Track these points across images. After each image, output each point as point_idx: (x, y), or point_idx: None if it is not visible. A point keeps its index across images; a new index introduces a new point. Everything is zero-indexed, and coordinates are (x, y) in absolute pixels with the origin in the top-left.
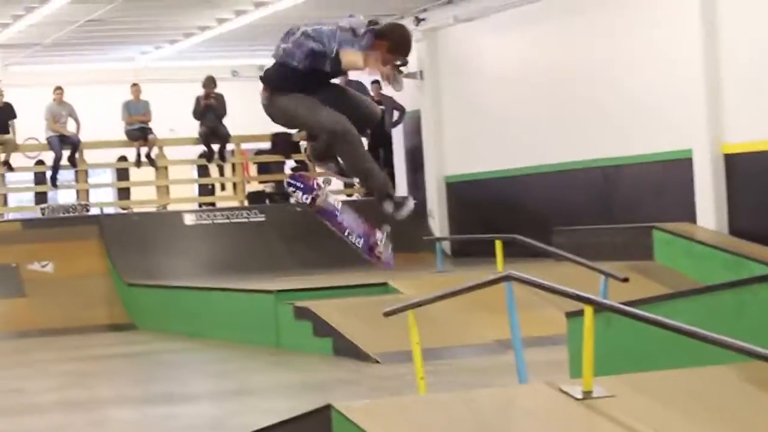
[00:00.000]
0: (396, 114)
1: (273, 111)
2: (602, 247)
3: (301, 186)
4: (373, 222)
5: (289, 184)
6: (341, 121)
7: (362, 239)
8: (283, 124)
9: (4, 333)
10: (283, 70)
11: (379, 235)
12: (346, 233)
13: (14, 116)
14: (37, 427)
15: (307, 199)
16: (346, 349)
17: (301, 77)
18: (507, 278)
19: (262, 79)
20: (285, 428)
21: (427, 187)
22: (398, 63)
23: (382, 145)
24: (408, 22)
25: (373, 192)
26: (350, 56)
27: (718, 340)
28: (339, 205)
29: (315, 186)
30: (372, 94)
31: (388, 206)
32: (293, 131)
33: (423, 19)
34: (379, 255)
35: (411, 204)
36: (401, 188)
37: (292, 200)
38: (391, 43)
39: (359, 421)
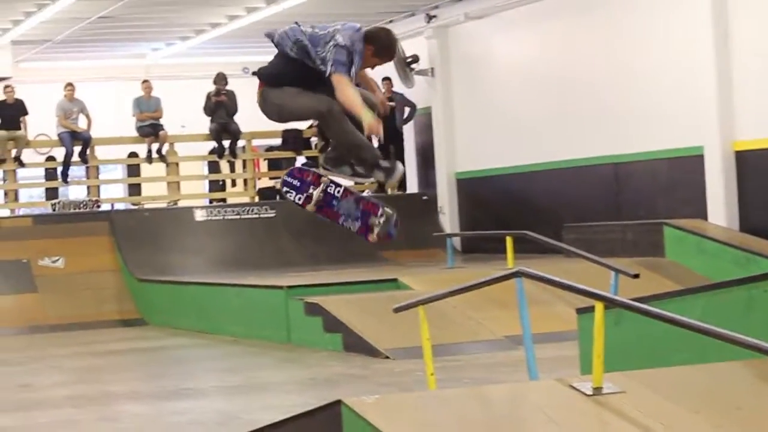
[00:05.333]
0: (407, 111)
1: (265, 106)
2: (613, 244)
3: (297, 185)
4: (376, 204)
5: (285, 183)
6: (324, 100)
7: (359, 222)
8: (276, 119)
9: (15, 328)
10: (277, 63)
11: (380, 211)
12: (340, 220)
13: (25, 113)
14: (48, 422)
15: (300, 199)
16: (356, 345)
17: (295, 71)
18: (518, 274)
19: (256, 74)
20: (295, 424)
21: (438, 184)
22: (409, 60)
23: (393, 142)
24: (419, 19)
25: (364, 164)
26: (345, 92)
27: (728, 337)
28: (341, 192)
29: (311, 180)
30: (383, 90)
31: (379, 175)
32: (303, 128)
33: (434, 16)
34: (376, 235)
35: (401, 168)
36: (412, 185)
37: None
38: (376, 48)
39: (369, 417)
